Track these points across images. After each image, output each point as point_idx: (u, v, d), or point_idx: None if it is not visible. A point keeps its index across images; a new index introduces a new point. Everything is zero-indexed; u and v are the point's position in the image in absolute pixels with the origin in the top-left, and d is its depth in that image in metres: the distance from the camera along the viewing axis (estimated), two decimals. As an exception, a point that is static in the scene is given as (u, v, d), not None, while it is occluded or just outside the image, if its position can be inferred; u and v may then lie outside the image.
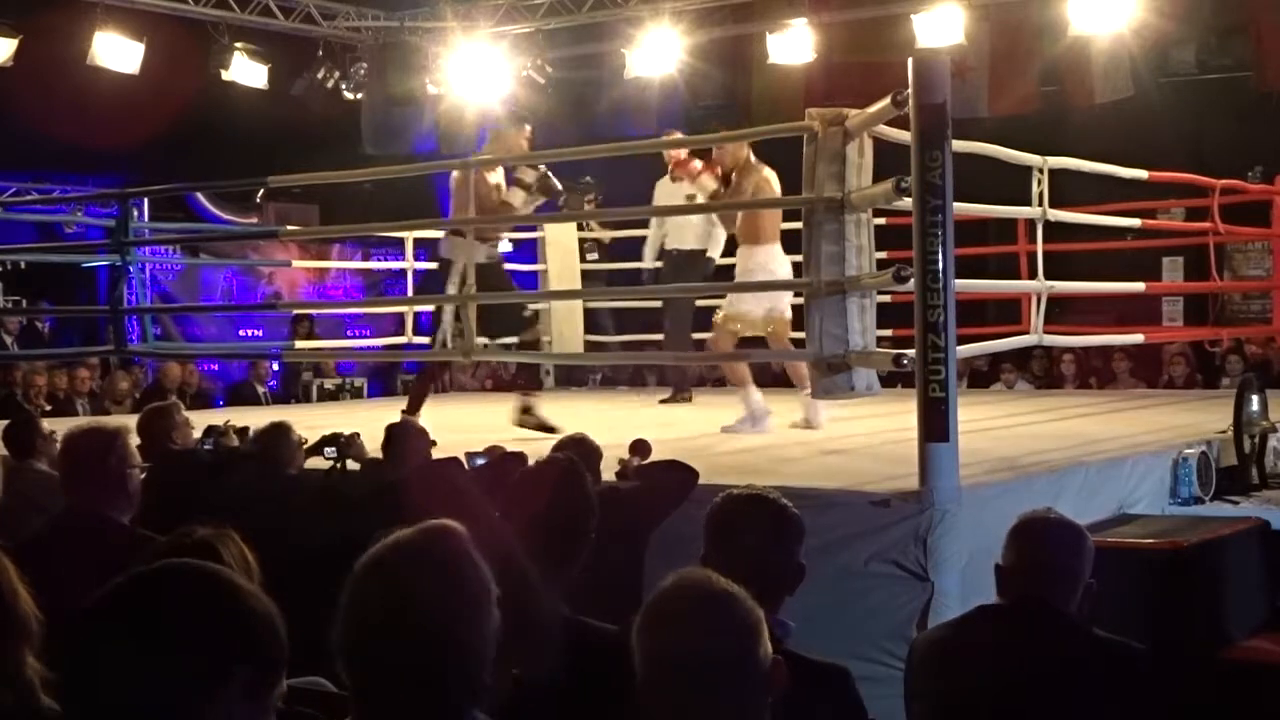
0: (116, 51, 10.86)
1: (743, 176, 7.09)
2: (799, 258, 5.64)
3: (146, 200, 12.75)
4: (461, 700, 1.91)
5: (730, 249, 7.74)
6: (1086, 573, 3.07)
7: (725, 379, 8.79)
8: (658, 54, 11.66)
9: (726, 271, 7.79)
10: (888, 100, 4.86)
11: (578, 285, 10.34)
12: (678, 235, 8.85)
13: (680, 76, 11.99)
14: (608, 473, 4.56)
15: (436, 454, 5.17)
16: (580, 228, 10.45)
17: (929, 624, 4.17)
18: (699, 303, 8.57)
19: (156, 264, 13.51)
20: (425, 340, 8.47)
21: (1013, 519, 3.20)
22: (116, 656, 1.67)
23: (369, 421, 5.97)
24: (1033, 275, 7.12)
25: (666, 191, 8.43)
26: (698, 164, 7.54)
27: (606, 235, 10.69)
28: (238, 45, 11.60)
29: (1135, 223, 8.79)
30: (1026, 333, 7.21)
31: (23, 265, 13.70)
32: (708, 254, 8.65)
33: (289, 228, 10.94)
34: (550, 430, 6.63)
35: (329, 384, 12.23)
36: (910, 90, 4.68)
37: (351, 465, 5.32)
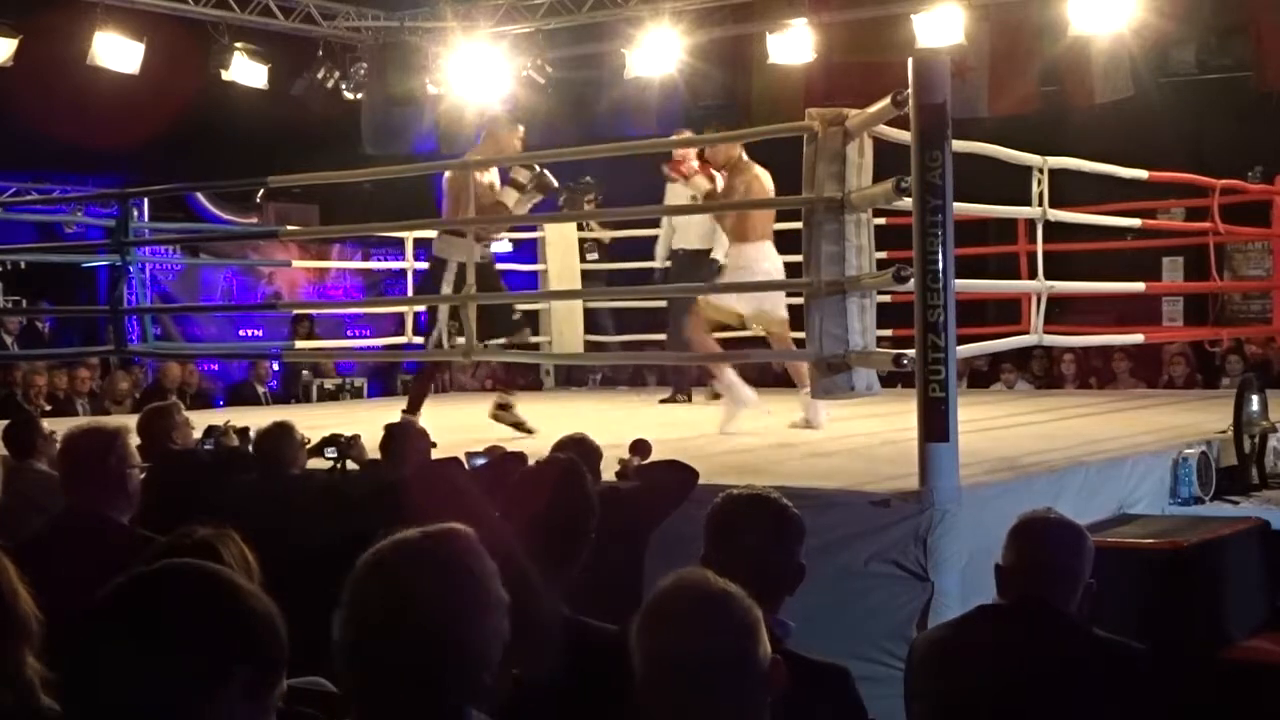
0: (116, 51, 10.85)
1: (734, 175, 7.09)
2: (792, 256, 5.63)
3: (146, 200, 12.76)
4: (461, 700, 1.91)
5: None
6: (1086, 573, 3.08)
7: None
8: (658, 54, 11.65)
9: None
10: (888, 100, 4.86)
11: (578, 285, 10.34)
12: (682, 235, 8.86)
13: (680, 76, 11.97)
14: (608, 473, 4.55)
15: (436, 454, 5.17)
16: (580, 228, 10.45)
17: (929, 624, 4.17)
18: (701, 303, 8.58)
19: (156, 264, 13.51)
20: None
21: (1013, 519, 3.20)
22: (117, 656, 1.68)
23: (369, 421, 5.97)
24: (1033, 275, 7.12)
25: (676, 191, 8.43)
26: (694, 163, 7.54)
27: (606, 235, 10.69)
28: (238, 45, 11.59)
29: (1135, 223, 8.79)
30: (1026, 333, 7.21)
31: (23, 265, 13.70)
32: (711, 254, 8.65)
33: (289, 228, 10.95)
34: (525, 430, 6.95)
35: (329, 384, 12.22)
36: (910, 90, 4.68)
37: (351, 467, 5.32)
